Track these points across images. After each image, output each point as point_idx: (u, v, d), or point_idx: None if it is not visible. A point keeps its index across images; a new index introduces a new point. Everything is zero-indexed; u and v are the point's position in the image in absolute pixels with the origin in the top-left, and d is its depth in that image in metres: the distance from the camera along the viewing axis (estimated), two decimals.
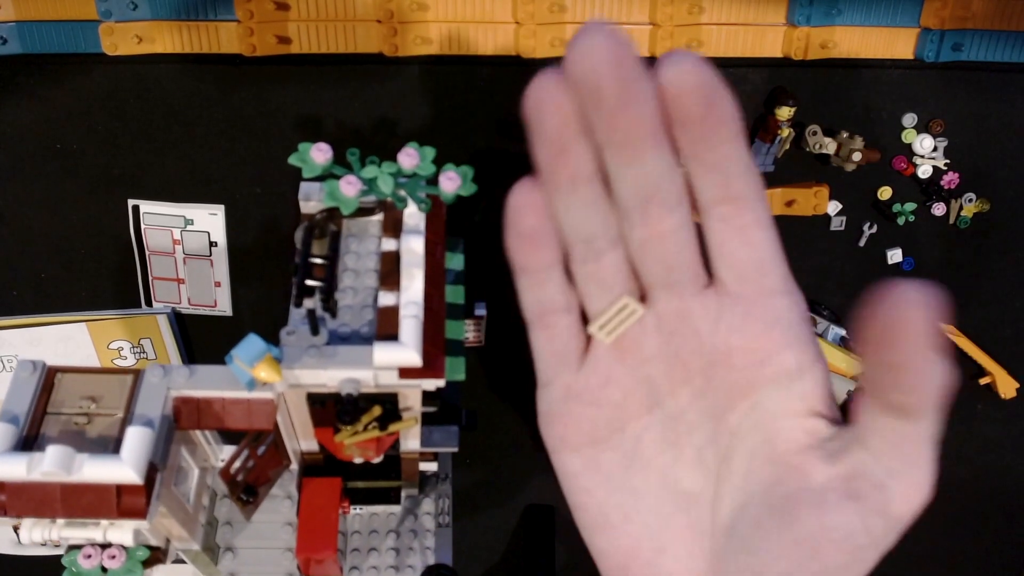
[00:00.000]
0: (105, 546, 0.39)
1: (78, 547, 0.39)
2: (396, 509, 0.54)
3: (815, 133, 0.59)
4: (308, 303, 0.37)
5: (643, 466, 0.28)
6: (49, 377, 0.37)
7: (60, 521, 0.37)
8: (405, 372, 0.38)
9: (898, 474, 0.24)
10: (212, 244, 0.61)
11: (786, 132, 0.58)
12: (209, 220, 0.60)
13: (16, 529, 0.37)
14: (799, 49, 0.57)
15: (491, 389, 0.66)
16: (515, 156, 0.60)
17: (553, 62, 0.61)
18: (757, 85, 0.59)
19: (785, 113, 0.58)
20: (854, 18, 0.57)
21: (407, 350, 0.37)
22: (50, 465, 0.34)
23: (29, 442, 0.36)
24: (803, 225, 0.63)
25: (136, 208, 0.60)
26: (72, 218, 0.60)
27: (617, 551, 0.28)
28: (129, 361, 0.64)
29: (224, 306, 0.63)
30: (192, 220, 0.60)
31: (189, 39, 0.55)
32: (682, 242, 0.26)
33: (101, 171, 0.59)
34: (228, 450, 0.48)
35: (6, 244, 0.61)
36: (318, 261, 0.37)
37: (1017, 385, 0.67)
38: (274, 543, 0.48)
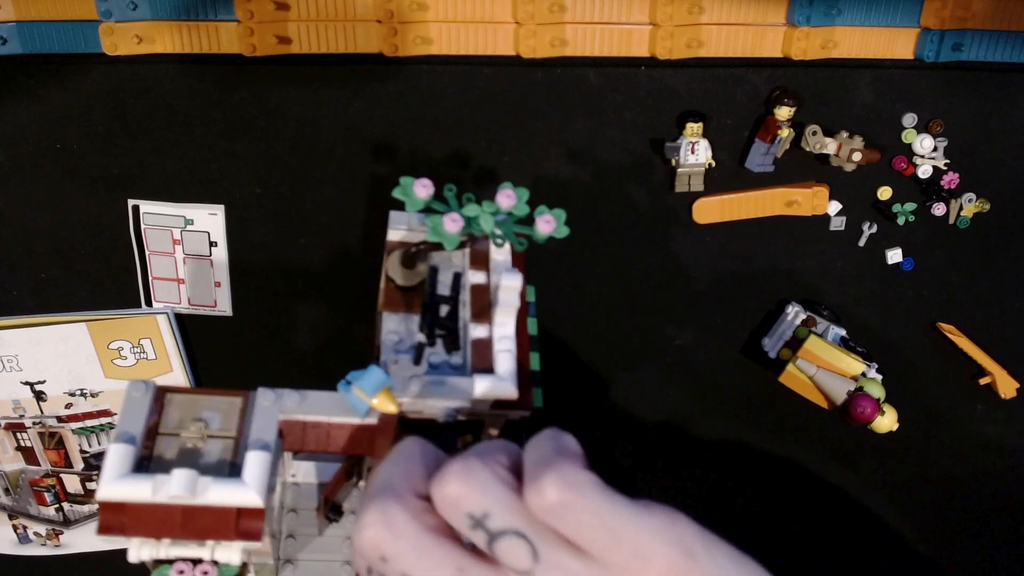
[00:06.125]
0: (196, 562, 0.38)
1: (167, 562, 0.38)
2: None
3: (815, 133, 0.59)
4: (421, 337, 0.39)
5: None
6: (159, 397, 0.37)
7: (167, 540, 0.37)
8: (497, 403, 0.39)
9: None
10: (212, 244, 0.61)
11: (786, 132, 0.58)
12: (209, 220, 0.60)
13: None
14: (799, 49, 0.57)
15: None
16: (515, 157, 0.60)
17: (553, 62, 0.61)
18: (757, 85, 0.59)
19: (785, 113, 0.58)
20: (854, 18, 0.57)
21: (506, 384, 0.39)
22: (177, 488, 0.33)
23: (144, 463, 0.35)
24: (803, 225, 0.63)
25: (136, 208, 0.60)
26: (72, 218, 0.60)
27: None
28: (129, 361, 0.64)
29: (224, 306, 0.63)
30: (192, 220, 0.60)
31: (189, 39, 0.55)
32: None
33: (101, 171, 0.59)
34: (297, 465, 0.49)
35: (6, 244, 0.61)
36: (444, 302, 0.40)
37: (1017, 385, 0.67)
38: (334, 556, 0.49)
